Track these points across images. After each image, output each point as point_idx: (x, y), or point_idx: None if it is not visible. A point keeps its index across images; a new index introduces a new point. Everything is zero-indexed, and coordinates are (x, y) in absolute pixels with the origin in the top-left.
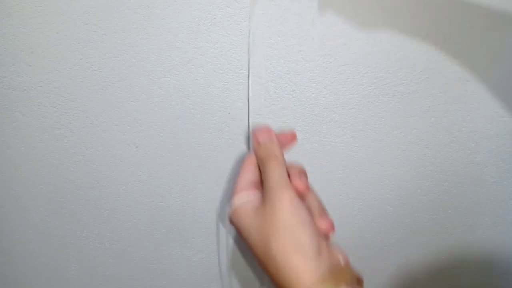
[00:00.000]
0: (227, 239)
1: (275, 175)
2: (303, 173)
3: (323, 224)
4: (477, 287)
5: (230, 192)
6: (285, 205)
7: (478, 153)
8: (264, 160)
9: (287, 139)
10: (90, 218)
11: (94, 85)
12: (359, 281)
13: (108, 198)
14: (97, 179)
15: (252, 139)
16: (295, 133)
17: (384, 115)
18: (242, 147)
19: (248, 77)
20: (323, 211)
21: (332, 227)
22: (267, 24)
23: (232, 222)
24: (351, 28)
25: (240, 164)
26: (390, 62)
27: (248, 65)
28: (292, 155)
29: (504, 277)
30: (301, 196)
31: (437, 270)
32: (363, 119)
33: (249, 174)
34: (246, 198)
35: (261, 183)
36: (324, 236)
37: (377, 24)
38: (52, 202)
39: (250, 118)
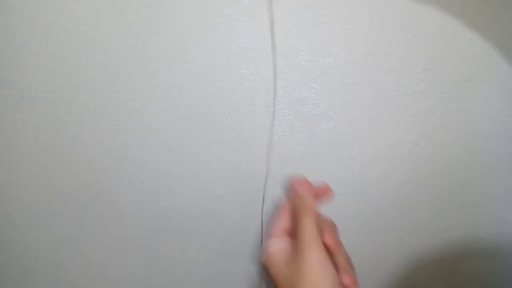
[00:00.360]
0: (227, 238)
1: (308, 230)
2: (334, 228)
3: (346, 279)
4: (477, 287)
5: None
6: (314, 261)
7: (478, 153)
8: (300, 212)
9: (321, 192)
10: (90, 218)
11: (94, 85)
12: None
13: (108, 198)
14: (97, 179)
15: (290, 188)
16: (329, 187)
17: (384, 115)
18: (242, 147)
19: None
20: (349, 267)
21: (354, 283)
22: (268, 24)
23: (264, 265)
24: (351, 28)
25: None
26: (390, 62)
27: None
28: (292, 155)
29: (504, 277)
30: (331, 250)
31: (437, 270)
32: (363, 119)
33: (285, 221)
34: (279, 245)
35: (294, 231)
36: None
37: (376, 24)
38: (52, 202)
39: (250, 116)
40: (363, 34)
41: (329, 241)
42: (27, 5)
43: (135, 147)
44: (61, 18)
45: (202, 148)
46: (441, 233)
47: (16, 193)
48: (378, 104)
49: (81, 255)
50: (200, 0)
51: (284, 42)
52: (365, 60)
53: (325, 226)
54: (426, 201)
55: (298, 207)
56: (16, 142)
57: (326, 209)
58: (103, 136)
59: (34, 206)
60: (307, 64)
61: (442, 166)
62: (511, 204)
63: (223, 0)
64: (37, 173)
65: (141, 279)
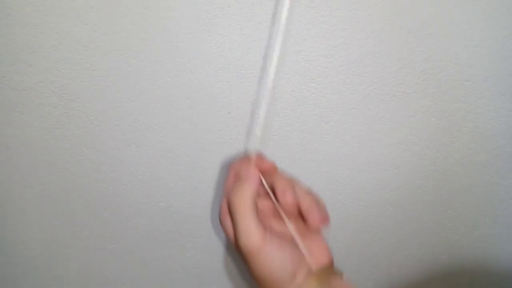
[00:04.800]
0: (227, 239)
1: (241, 225)
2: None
3: (312, 218)
4: (477, 287)
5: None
6: (254, 256)
7: (478, 153)
8: (233, 198)
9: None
10: (90, 218)
11: (94, 85)
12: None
13: (108, 198)
14: (97, 179)
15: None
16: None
17: (384, 115)
18: (242, 147)
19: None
20: (313, 205)
21: (323, 220)
22: (267, 24)
23: None
24: (351, 28)
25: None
26: (390, 62)
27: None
28: (292, 155)
29: (504, 277)
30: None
31: (437, 270)
32: (363, 119)
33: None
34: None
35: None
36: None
37: (376, 24)
38: (52, 202)
39: (250, 116)
40: (363, 34)
41: (279, 189)
42: (27, 5)
43: (135, 147)
44: (61, 18)
45: (202, 148)
46: (441, 233)
47: (16, 193)
48: (378, 104)
49: (81, 255)
50: (200, 0)
51: (284, 42)
52: (365, 60)
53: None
54: (426, 201)
55: (234, 192)
56: (16, 142)
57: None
58: (103, 136)
59: (34, 206)
60: (307, 64)
61: (442, 166)
62: (510, 204)
63: (223, 0)
64: (37, 173)
65: (141, 279)
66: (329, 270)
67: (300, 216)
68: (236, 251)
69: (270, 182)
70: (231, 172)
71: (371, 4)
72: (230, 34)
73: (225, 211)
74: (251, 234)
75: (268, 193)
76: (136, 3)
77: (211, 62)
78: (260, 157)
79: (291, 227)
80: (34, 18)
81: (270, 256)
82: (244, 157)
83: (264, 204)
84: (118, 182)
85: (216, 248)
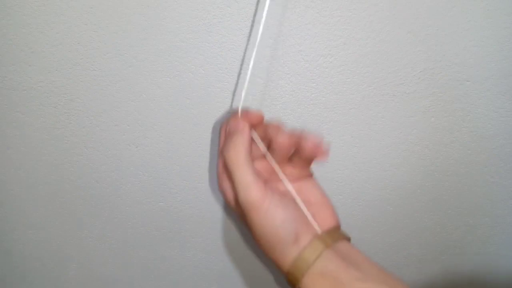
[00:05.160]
0: (227, 238)
1: (238, 176)
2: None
3: (308, 144)
4: (477, 287)
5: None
6: (254, 211)
7: (478, 153)
8: (228, 154)
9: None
10: (90, 218)
11: (94, 85)
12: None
13: (108, 198)
14: (97, 179)
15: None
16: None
17: (384, 115)
18: None
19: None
20: (307, 135)
21: (318, 145)
22: (267, 24)
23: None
24: (351, 28)
25: None
26: (390, 62)
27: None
28: None
29: (504, 277)
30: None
31: (437, 270)
32: (363, 119)
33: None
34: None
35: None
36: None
37: (376, 24)
38: (52, 202)
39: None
40: (363, 34)
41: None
42: (27, 5)
43: (135, 147)
44: (61, 18)
45: (202, 148)
46: (441, 233)
47: (16, 193)
48: (378, 104)
49: (81, 255)
50: (200, 0)
51: (284, 42)
52: (365, 60)
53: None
54: (426, 201)
55: (227, 148)
56: (16, 142)
57: None
58: (103, 136)
59: (34, 206)
60: (307, 64)
61: (442, 166)
62: (510, 204)
63: (223, 0)
64: (37, 173)
65: (141, 279)
66: (336, 234)
67: (300, 166)
68: (238, 214)
69: (261, 136)
70: (222, 132)
71: (371, 4)
72: (230, 34)
73: (222, 172)
74: (250, 186)
75: (262, 150)
76: (136, 3)
77: (211, 62)
78: (247, 111)
79: (290, 186)
80: (34, 18)
81: (271, 213)
82: (232, 114)
83: (261, 165)
84: (118, 182)
85: (216, 248)
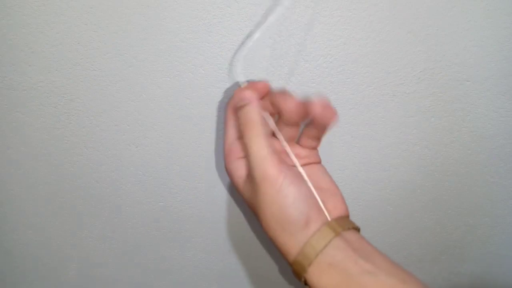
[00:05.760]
0: (227, 238)
1: (255, 152)
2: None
3: (316, 108)
4: (477, 287)
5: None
6: (269, 187)
7: (478, 153)
8: (243, 129)
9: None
10: (90, 218)
11: (94, 85)
12: (356, 228)
13: (108, 198)
14: (97, 179)
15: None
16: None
17: (384, 115)
18: None
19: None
20: (316, 100)
21: (327, 107)
22: (267, 24)
23: (229, 175)
24: (351, 28)
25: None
26: (390, 62)
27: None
28: None
29: (504, 277)
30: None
31: (437, 270)
32: (363, 119)
33: (235, 127)
34: (238, 155)
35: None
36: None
37: (376, 24)
38: (52, 202)
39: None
40: (363, 34)
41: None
42: (27, 5)
43: (135, 147)
44: (61, 18)
45: (202, 148)
46: (441, 233)
47: (16, 193)
48: (378, 104)
49: (81, 255)
50: (200, 0)
51: (284, 42)
52: (365, 60)
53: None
54: (426, 201)
55: (240, 125)
56: (16, 142)
57: None
58: (103, 136)
59: (34, 206)
60: (307, 64)
61: (442, 166)
62: (510, 204)
63: (223, 0)
64: (37, 173)
65: (141, 279)
66: (346, 222)
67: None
68: (246, 195)
69: (269, 109)
70: (229, 110)
71: (371, 4)
72: (230, 34)
73: (229, 151)
74: (266, 158)
75: (271, 127)
76: (136, 3)
77: (211, 62)
78: (252, 82)
79: (302, 170)
80: (34, 18)
81: (285, 189)
82: (237, 90)
83: (274, 146)
84: (118, 182)
85: (216, 248)
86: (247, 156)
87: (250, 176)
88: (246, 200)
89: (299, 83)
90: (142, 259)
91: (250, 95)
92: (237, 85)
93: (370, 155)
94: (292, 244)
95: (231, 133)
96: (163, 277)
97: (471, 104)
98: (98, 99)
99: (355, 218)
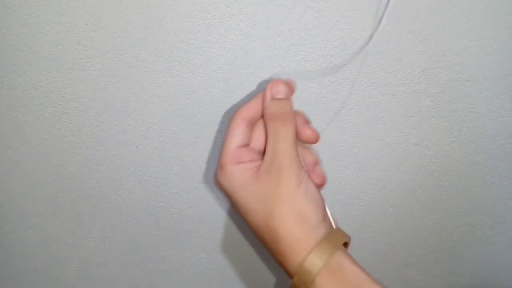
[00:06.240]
0: (227, 238)
1: (286, 144)
2: (307, 120)
3: (307, 133)
4: (477, 287)
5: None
6: (294, 179)
7: (478, 153)
8: (275, 120)
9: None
10: (90, 218)
11: (94, 85)
12: (346, 244)
13: (108, 198)
14: (97, 179)
15: (267, 90)
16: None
17: (384, 115)
18: None
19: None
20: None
21: (317, 135)
22: (267, 24)
23: (222, 183)
24: (351, 28)
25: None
26: (390, 62)
27: None
28: None
29: (504, 277)
30: (312, 142)
31: (437, 270)
32: (363, 119)
33: (241, 135)
34: (241, 160)
35: (257, 142)
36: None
37: (376, 24)
38: (52, 202)
39: None
40: (363, 34)
41: (309, 133)
42: (27, 5)
43: (135, 147)
44: (61, 18)
45: (202, 148)
46: (441, 233)
47: (16, 193)
48: (378, 104)
49: (81, 255)
50: (200, 0)
51: (284, 42)
52: (365, 60)
53: (300, 120)
54: (426, 201)
55: (274, 113)
56: (16, 142)
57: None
58: (103, 136)
59: (34, 206)
60: (307, 64)
61: (442, 166)
62: (510, 204)
63: (223, 0)
64: (37, 173)
65: (141, 279)
66: (342, 235)
67: None
68: (254, 191)
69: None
70: (239, 117)
71: (371, 4)
72: (230, 34)
73: (233, 156)
74: (295, 150)
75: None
76: (136, 3)
77: (211, 62)
78: (284, 80)
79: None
80: (34, 18)
81: (307, 183)
82: (275, 81)
83: None
84: (118, 182)
85: (216, 248)
86: (273, 149)
87: (270, 171)
88: (246, 204)
89: (299, 83)
90: (142, 259)
91: (288, 91)
92: (236, 89)
93: (370, 155)
94: (308, 239)
95: (237, 140)
96: (163, 277)
97: (471, 104)
98: (98, 99)
99: (355, 218)
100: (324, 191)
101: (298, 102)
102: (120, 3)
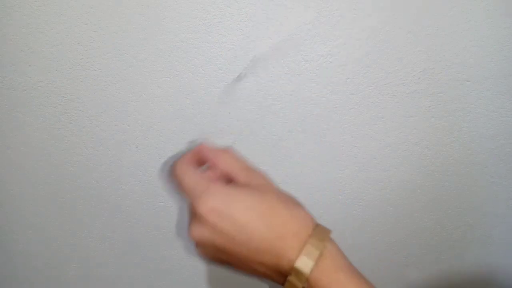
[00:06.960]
0: None
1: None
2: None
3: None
4: (477, 287)
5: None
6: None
7: (478, 153)
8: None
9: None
10: (90, 218)
11: (94, 85)
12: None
13: (108, 198)
14: (97, 179)
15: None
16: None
17: (384, 115)
18: (243, 147)
19: None
20: None
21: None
22: (267, 24)
23: (201, 243)
24: (351, 28)
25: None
26: (390, 62)
27: None
28: (293, 155)
29: (504, 277)
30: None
31: (437, 270)
32: (363, 119)
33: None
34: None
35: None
36: None
37: (376, 24)
38: (52, 202)
39: (250, 116)
40: (363, 34)
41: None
42: (27, 5)
43: (135, 147)
44: (61, 18)
45: None
46: (441, 233)
47: (16, 193)
48: (378, 104)
49: (81, 255)
50: (200, 0)
51: (284, 42)
52: (365, 60)
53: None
54: (426, 201)
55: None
56: (16, 142)
57: (326, 210)
58: (103, 136)
59: (34, 206)
60: (307, 64)
61: (442, 166)
62: (510, 204)
63: (223, 0)
64: (37, 173)
65: (141, 279)
66: (327, 233)
67: None
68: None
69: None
70: (184, 166)
71: (371, 4)
72: (230, 34)
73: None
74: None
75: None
76: (136, 3)
77: (211, 62)
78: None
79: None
80: (34, 18)
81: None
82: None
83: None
84: (118, 182)
85: None
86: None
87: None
88: (230, 230)
89: (299, 83)
90: (142, 259)
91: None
92: (236, 89)
93: (370, 155)
94: (294, 245)
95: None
96: (163, 277)
97: (471, 104)
98: (98, 99)
99: (355, 218)
100: (324, 191)
101: (298, 102)
102: (120, 3)
